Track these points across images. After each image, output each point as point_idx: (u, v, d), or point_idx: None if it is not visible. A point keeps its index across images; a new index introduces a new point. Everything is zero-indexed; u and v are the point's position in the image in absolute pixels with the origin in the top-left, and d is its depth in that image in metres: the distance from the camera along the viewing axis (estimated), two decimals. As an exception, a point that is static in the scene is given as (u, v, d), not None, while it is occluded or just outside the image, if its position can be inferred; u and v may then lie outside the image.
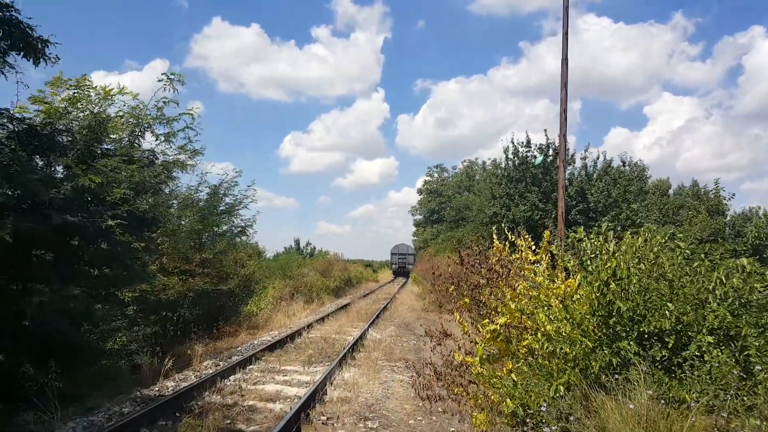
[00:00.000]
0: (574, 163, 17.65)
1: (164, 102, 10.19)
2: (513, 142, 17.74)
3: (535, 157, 17.23)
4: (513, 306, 6.80)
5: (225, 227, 15.83)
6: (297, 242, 44.53)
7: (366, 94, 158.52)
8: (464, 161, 54.16)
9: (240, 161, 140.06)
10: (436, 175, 56.20)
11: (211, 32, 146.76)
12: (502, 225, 16.64)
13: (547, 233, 7.64)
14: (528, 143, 17.52)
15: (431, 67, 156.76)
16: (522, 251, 7.86)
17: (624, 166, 18.00)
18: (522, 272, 7.87)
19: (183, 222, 12.93)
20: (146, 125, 10.32)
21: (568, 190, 16.82)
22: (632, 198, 16.06)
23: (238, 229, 16.13)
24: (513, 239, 8.11)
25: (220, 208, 15.45)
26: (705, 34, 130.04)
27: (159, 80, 10.10)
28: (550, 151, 17.20)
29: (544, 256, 7.89)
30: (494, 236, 8.84)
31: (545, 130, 17.12)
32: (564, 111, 13.37)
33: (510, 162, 17.89)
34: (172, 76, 10.11)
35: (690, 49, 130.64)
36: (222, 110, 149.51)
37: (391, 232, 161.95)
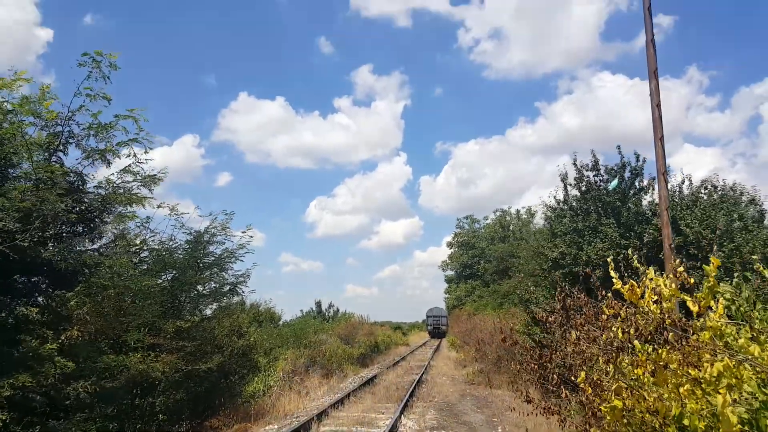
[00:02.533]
0: (653, 190, 13.87)
1: (88, 95, 6.85)
2: (576, 164, 14.06)
3: (608, 181, 13.49)
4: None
5: (211, 285, 12.26)
6: (318, 304, 40.63)
7: (388, 158, 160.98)
8: (496, 211, 50.48)
9: (267, 229, 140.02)
10: (466, 226, 52.40)
11: (238, 107, 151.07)
12: (573, 269, 12.78)
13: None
14: (596, 165, 13.82)
15: (450, 129, 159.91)
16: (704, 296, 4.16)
17: (716, 191, 14.10)
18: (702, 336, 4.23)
19: (141, 280, 9.36)
20: (64, 134, 6.99)
21: (653, 222, 12.97)
22: (749, 226, 12.09)
23: (228, 287, 12.52)
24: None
25: (205, 261, 11.94)
26: (720, 86, 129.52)
27: (80, 64, 6.80)
28: (627, 173, 13.46)
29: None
30: (612, 272, 5.46)
31: (618, 147, 13.36)
32: (657, 105, 9.77)
33: (574, 189, 14.15)
34: (99, 57, 6.82)
35: (707, 101, 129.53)
36: (250, 180, 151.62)
37: (418, 292, 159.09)
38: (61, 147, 7.25)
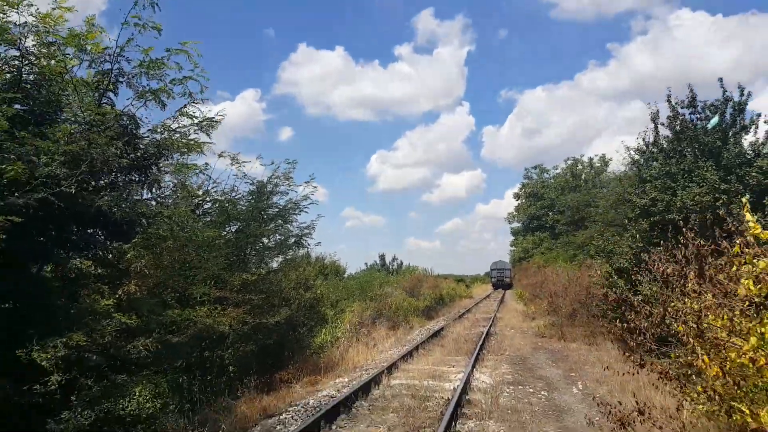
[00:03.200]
0: (756, 128, 12.25)
1: (136, 24, 6.34)
2: (670, 101, 12.59)
3: (707, 118, 12.02)
4: None
5: (276, 238, 11.95)
6: (382, 258, 40.48)
7: (451, 109, 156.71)
8: (567, 159, 47.95)
9: (330, 183, 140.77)
10: (535, 177, 50.37)
11: (297, 59, 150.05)
12: (666, 217, 11.60)
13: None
14: (693, 101, 12.31)
15: (516, 76, 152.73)
16: None
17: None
18: None
19: (203, 231, 9.05)
20: (114, 72, 6.55)
21: (755, 163, 11.50)
22: None
23: (293, 239, 12.18)
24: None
25: (269, 212, 11.59)
26: None
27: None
28: (728, 109, 11.93)
29: None
30: (747, 213, 4.64)
31: (720, 79, 11.81)
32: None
33: (667, 129, 12.71)
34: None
35: None
36: (311, 133, 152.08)
37: (480, 245, 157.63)
38: (111, 86, 6.83)
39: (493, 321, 23.10)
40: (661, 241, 12.33)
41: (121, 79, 6.84)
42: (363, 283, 22.75)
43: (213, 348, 10.72)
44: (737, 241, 4.76)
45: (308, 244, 12.55)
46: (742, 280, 4.52)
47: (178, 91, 7.37)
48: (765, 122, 12.28)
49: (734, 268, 4.78)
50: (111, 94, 6.84)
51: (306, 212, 12.15)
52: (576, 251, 23.59)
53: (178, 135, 7.52)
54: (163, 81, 7.15)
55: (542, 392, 9.84)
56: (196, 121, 7.81)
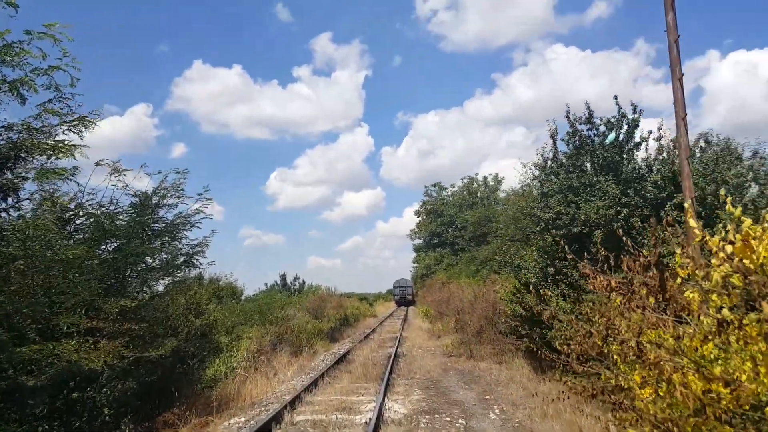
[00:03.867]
0: (647, 144, 12.62)
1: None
2: (569, 117, 12.68)
3: (604, 134, 12.19)
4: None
5: (162, 257, 10.52)
6: (283, 278, 38.84)
7: (350, 129, 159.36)
8: (464, 178, 49.32)
9: (226, 201, 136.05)
10: (434, 194, 51.11)
11: (192, 75, 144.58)
12: (572, 230, 11.52)
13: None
14: (590, 118, 12.47)
15: (411, 100, 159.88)
16: None
17: (710, 146, 13.01)
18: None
19: (71, 249, 7.54)
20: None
21: (649, 178, 11.77)
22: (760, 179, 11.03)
23: (183, 258, 10.80)
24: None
25: (153, 227, 10.17)
26: (666, 59, 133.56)
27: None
28: (624, 126, 12.17)
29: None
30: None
31: (615, 97, 12.06)
32: (676, 42, 8.37)
33: (567, 144, 12.78)
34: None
35: (654, 73, 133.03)
36: (205, 151, 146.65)
37: (380, 263, 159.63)
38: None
39: (399, 341, 22.49)
40: (565, 255, 12.43)
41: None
42: (262, 305, 21.30)
43: (83, 388, 9.10)
44: (679, 251, 4.34)
45: (200, 264, 11.19)
46: (695, 295, 4.08)
47: (42, 83, 6.06)
48: (654, 140, 12.72)
49: (678, 280, 4.36)
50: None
51: (198, 227, 10.84)
52: (479, 266, 23.74)
53: (42, 135, 6.17)
54: (23, 70, 5.82)
55: (460, 420, 9.17)
56: (66, 119, 6.48)
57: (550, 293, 11.69)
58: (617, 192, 11.20)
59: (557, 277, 11.89)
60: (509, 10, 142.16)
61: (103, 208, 9.57)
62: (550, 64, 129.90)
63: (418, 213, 51.33)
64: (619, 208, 11.12)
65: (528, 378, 12.24)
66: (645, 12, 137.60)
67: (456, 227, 45.50)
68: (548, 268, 11.94)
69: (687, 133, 7.88)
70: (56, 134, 6.65)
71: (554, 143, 13.52)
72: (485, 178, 48.25)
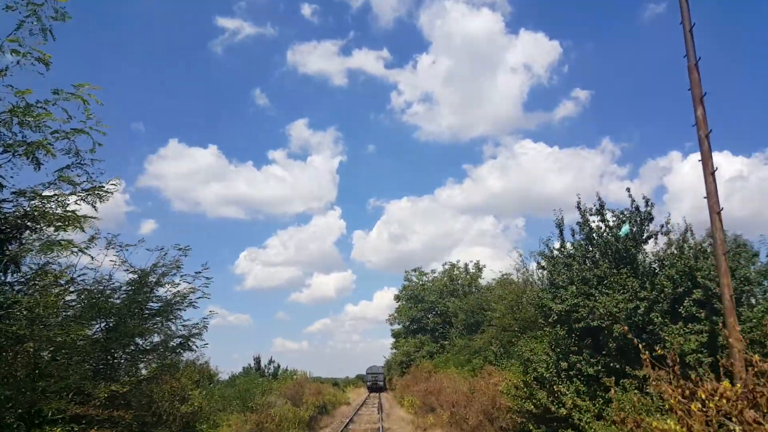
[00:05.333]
0: (656, 239, 12.62)
1: (15, 52, 4.77)
2: (580, 208, 12.70)
3: (616, 226, 12.15)
4: None
5: (156, 338, 9.77)
6: (257, 361, 37.05)
7: (323, 212, 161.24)
8: (445, 263, 49.22)
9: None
10: (414, 279, 50.65)
11: (167, 153, 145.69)
12: (591, 324, 11.16)
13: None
14: (601, 209, 12.50)
15: (383, 186, 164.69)
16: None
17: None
18: None
19: (71, 329, 6.87)
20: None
21: (661, 272, 11.64)
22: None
23: (178, 340, 10.04)
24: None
25: (149, 306, 9.50)
26: (631, 158, 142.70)
27: (8, 7, 4.70)
28: (635, 219, 12.17)
29: None
30: None
31: (628, 189, 12.12)
32: (707, 136, 8.43)
33: (580, 234, 12.70)
34: None
35: (619, 171, 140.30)
36: (176, 228, 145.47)
37: (349, 346, 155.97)
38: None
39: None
40: (580, 349, 11.99)
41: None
42: (243, 391, 20.02)
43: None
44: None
45: (197, 347, 10.41)
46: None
47: (62, 147, 5.67)
48: (662, 234, 12.71)
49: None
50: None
51: (196, 307, 10.18)
52: (471, 356, 23.03)
53: (54, 204, 5.71)
54: (42, 132, 5.45)
55: None
56: (80, 189, 6.04)
57: (564, 390, 11.19)
58: (636, 285, 11.01)
59: (570, 372, 11.41)
60: (480, 105, 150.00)
61: (98, 285, 8.93)
62: (519, 158, 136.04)
63: (397, 298, 50.63)
64: (638, 302, 10.89)
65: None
66: (610, 113, 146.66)
67: (437, 313, 44.84)
68: (560, 363, 11.47)
69: (722, 228, 7.82)
70: (67, 204, 6.18)
71: (561, 233, 13.46)
72: (466, 265, 48.22)
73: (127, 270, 9.25)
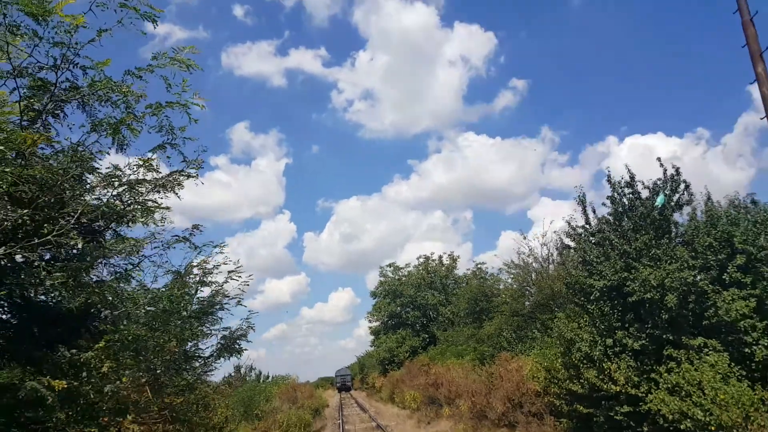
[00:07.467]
0: (680, 208, 12.59)
1: (123, 6, 4.04)
2: (610, 182, 12.57)
3: (648, 198, 12.05)
4: None
5: (203, 343, 8.96)
6: (237, 369, 35.66)
7: (271, 216, 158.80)
8: (419, 257, 48.90)
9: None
10: (390, 274, 50.10)
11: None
12: (643, 296, 10.97)
13: None
14: (631, 181, 12.39)
15: (331, 187, 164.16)
16: None
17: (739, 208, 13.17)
18: None
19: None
20: (60, 83, 4.09)
21: (698, 240, 11.58)
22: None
23: (221, 343, 9.22)
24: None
25: (193, 307, 8.68)
26: (570, 145, 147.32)
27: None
28: (668, 188, 12.11)
29: None
30: None
31: (659, 159, 12.04)
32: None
33: (615, 207, 12.54)
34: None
35: (560, 158, 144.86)
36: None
37: (308, 350, 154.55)
38: (50, 105, 4.26)
39: (382, 429, 20.80)
40: (622, 324, 11.83)
41: (72, 97, 4.32)
42: (246, 399, 19.10)
43: None
44: None
45: (243, 349, 9.58)
46: None
47: (152, 123, 4.95)
48: (686, 204, 12.70)
49: None
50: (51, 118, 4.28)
51: (243, 306, 9.41)
52: (477, 344, 22.75)
53: (143, 192, 4.99)
54: (130, 108, 4.70)
55: None
56: (160, 174, 5.32)
57: (615, 367, 11.00)
58: (686, 255, 10.92)
59: (615, 349, 11.24)
60: (421, 100, 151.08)
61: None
62: (463, 150, 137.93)
63: (374, 294, 50.01)
64: (689, 271, 10.79)
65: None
66: (548, 102, 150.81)
67: (415, 306, 44.54)
68: (606, 340, 11.27)
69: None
70: (148, 192, 5.44)
71: (584, 210, 13.31)
72: (440, 257, 48.17)
73: (167, 271, 8.36)
